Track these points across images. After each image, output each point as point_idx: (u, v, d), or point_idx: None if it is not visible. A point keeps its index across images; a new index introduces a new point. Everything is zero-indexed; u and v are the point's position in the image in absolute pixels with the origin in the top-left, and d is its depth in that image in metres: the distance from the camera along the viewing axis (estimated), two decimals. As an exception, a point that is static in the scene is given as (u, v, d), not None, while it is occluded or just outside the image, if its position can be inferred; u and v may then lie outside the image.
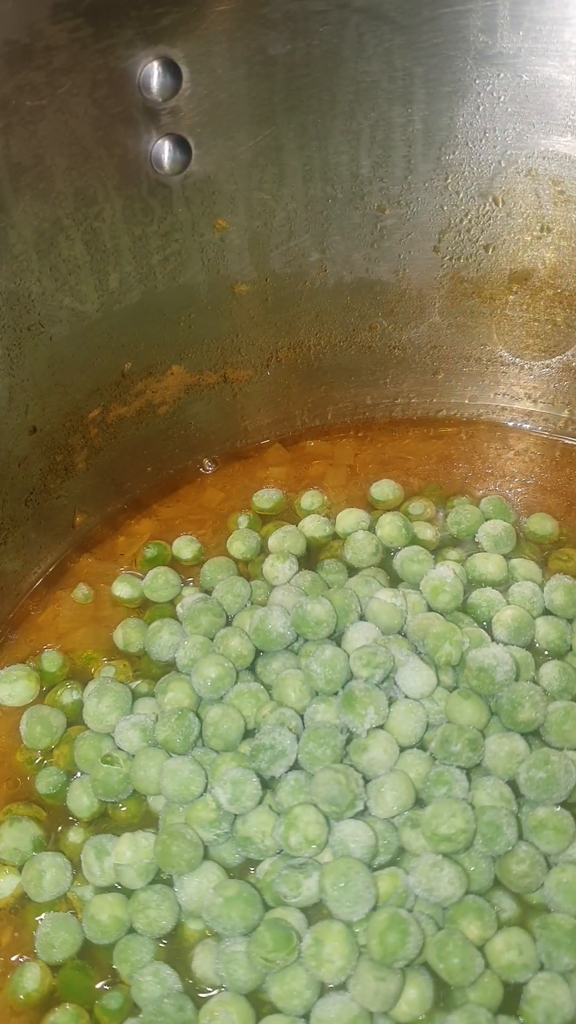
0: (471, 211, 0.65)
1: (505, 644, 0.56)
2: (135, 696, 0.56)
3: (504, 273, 0.67)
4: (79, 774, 0.54)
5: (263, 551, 0.64)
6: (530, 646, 0.57)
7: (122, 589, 0.62)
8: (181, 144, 0.59)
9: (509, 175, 0.63)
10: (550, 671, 0.55)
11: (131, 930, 0.48)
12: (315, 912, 0.48)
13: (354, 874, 0.46)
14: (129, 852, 0.49)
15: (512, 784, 0.50)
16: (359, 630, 0.55)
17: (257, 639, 0.55)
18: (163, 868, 0.49)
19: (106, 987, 0.47)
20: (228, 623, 0.58)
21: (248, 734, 0.53)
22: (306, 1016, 0.45)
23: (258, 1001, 0.46)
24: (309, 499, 0.67)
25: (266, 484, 0.68)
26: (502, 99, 0.61)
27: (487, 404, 0.73)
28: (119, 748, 0.53)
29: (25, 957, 0.49)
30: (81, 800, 0.52)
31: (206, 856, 0.49)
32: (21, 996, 0.47)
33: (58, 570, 0.64)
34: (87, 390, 0.63)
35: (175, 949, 0.48)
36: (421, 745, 0.52)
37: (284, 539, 0.63)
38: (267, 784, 0.50)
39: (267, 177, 0.62)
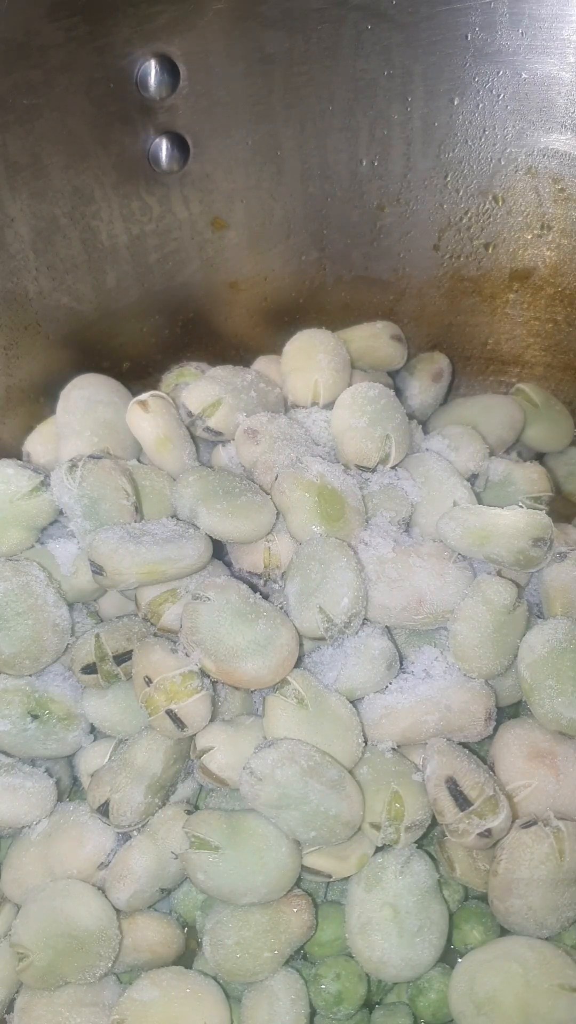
0: (471, 209, 0.65)
1: None
2: None
3: (504, 271, 0.67)
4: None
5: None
6: None
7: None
8: (179, 142, 0.58)
9: (509, 173, 0.63)
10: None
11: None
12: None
13: None
14: None
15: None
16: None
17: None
18: None
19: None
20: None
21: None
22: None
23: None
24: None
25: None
26: (501, 96, 0.61)
27: (487, 403, 0.72)
28: None
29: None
30: None
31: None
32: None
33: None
34: (85, 389, 0.63)
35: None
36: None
37: None
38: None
39: (265, 175, 0.62)
